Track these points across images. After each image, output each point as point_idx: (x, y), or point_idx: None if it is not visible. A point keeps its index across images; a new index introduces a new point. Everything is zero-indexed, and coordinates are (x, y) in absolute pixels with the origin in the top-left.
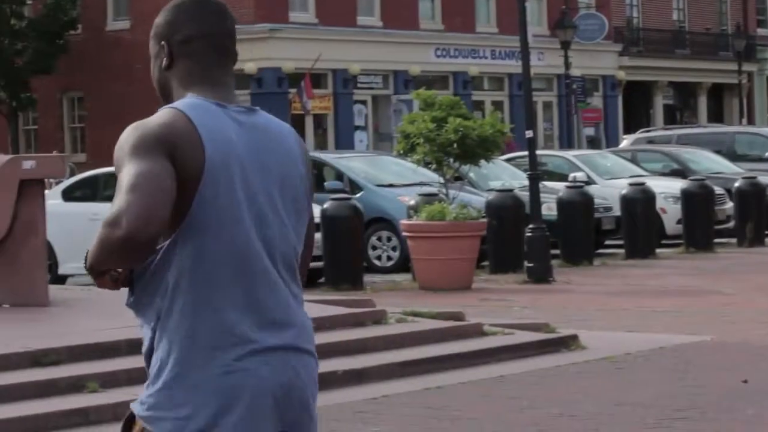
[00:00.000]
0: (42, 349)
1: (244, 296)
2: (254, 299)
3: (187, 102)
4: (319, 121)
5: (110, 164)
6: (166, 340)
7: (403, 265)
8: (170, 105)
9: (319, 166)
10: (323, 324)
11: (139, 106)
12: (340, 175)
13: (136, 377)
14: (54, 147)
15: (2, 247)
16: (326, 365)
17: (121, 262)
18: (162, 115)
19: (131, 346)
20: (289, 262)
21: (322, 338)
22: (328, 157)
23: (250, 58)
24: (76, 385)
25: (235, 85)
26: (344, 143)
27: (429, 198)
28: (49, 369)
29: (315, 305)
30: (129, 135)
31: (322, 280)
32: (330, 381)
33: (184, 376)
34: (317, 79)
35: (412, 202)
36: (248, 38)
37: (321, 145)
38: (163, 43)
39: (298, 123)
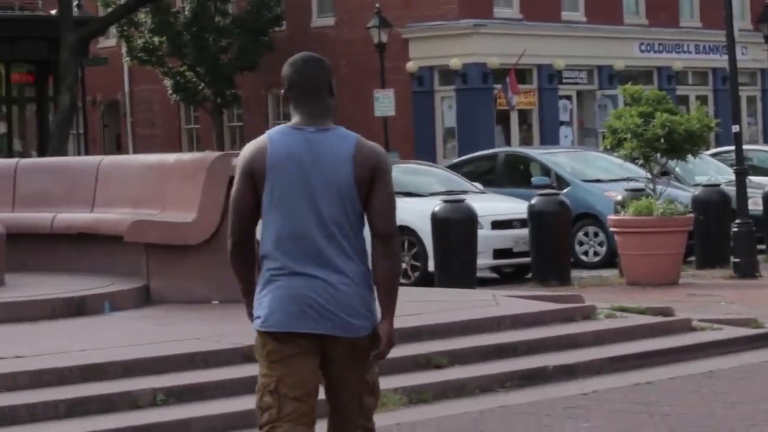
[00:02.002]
0: (252, 345)
1: (294, 253)
2: (300, 256)
3: (275, 129)
4: (524, 116)
5: None
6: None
7: (610, 260)
8: (268, 131)
9: (525, 162)
10: (533, 319)
11: (344, 103)
12: (546, 171)
13: None
14: None
15: (212, 242)
16: (536, 361)
17: (235, 261)
18: (257, 140)
19: None
20: (333, 231)
21: (532, 334)
22: (535, 152)
23: (455, 53)
24: None
25: (326, 108)
26: (549, 139)
27: (636, 193)
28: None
29: (524, 301)
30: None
31: (530, 275)
32: (540, 376)
33: (259, 292)
34: (522, 75)
35: (619, 198)
36: (452, 34)
37: (526, 141)
38: (282, 91)
39: (502, 118)
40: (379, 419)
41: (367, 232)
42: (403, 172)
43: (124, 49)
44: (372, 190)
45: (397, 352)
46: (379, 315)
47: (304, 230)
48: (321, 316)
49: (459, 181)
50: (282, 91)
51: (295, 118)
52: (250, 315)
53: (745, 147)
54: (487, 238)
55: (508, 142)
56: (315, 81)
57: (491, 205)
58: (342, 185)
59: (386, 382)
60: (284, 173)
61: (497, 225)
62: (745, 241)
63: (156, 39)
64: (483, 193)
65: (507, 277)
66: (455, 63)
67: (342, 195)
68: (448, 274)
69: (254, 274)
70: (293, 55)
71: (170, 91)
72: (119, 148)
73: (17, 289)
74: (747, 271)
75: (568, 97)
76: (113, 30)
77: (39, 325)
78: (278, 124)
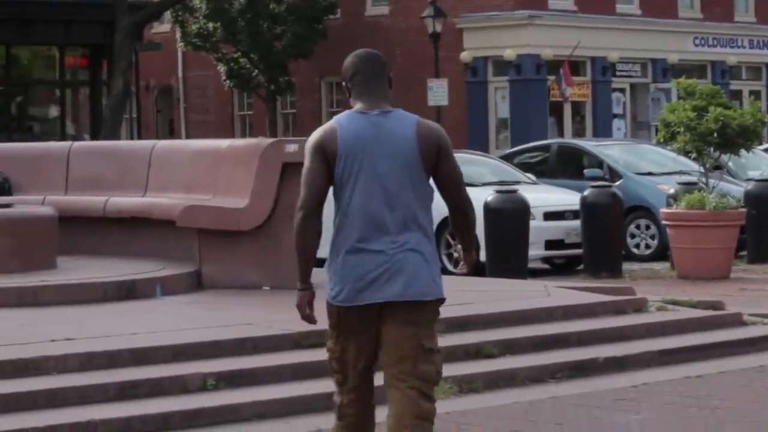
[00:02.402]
0: (302, 332)
1: (361, 229)
2: (369, 230)
3: (342, 114)
4: (577, 108)
5: None
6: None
7: (661, 253)
8: (335, 117)
9: (578, 154)
10: (584, 311)
11: (397, 91)
12: (599, 163)
13: None
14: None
15: (264, 229)
16: (587, 352)
17: (300, 233)
18: (326, 125)
19: None
20: (398, 202)
21: (583, 325)
22: (588, 144)
23: (509, 44)
24: None
25: (386, 96)
26: (602, 131)
27: (688, 187)
28: (309, 351)
29: (576, 292)
30: (307, 142)
31: (581, 267)
32: (591, 368)
33: (330, 266)
34: (575, 67)
35: (672, 191)
36: (507, 25)
37: (579, 133)
38: (344, 82)
39: (556, 110)
40: None
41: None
42: None
43: (178, 35)
44: (439, 165)
45: (447, 341)
46: (441, 286)
47: (372, 206)
48: (386, 284)
49: (512, 172)
50: (343, 82)
51: (358, 105)
52: (302, 282)
53: None
54: (539, 229)
55: (560, 134)
56: (377, 70)
57: (544, 196)
58: (408, 162)
59: None
60: (353, 153)
61: (549, 216)
62: None
63: (210, 25)
64: (535, 184)
65: (558, 268)
66: (509, 54)
67: (409, 171)
68: (500, 264)
69: (317, 246)
70: (347, 43)
71: (224, 78)
72: (172, 134)
73: (69, 272)
74: None
75: (622, 90)
76: (168, 15)
77: (90, 308)
78: (331, 111)
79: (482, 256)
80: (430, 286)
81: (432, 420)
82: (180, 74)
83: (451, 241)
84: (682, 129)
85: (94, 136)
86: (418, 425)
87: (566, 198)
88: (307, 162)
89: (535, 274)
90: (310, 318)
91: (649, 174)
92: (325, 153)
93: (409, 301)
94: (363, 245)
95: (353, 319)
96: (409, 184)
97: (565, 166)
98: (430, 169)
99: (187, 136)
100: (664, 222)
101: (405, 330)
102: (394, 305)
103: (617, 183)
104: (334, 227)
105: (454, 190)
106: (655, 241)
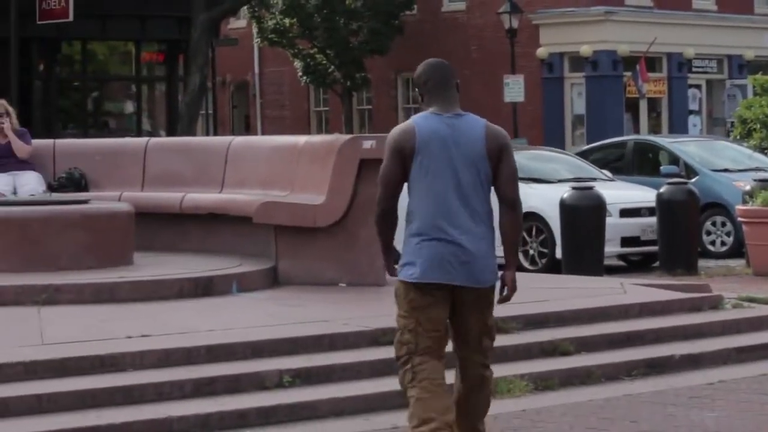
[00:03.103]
0: (380, 329)
1: (437, 217)
2: (444, 219)
3: (418, 115)
4: (653, 104)
5: None
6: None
7: (737, 250)
8: (412, 117)
9: (654, 150)
10: (660, 308)
11: (474, 89)
12: (675, 160)
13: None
14: (390, 127)
15: (341, 225)
16: (663, 349)
17: (380, 225)
18: (404, 124)
19: None
20: (468, 195)
21: (659, 323)
22: (664, 141)
23: (586, 40)
24: None
25: (456, 101)
26: (678, 127)
27: (764, 183)
28: (386, 348)
29: (651, 289)
30: (387, 138)
31: (657, 264)
32: (667, 365)
33: (406, 249)
34: (652, 63)
35: (748, 188)
36: (584, 21)
37: (654, 129)
38: (417, 89)
39: (632, 106)
40: (506, 405)
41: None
42: (532, 159)
43: (254, 31)
44: (500, 163)
45: (523, 338)
46: (497, 273)
47: (447, 197)
48: (456, 270)
49: (588, 168)
50: (416, 88)
51: (433, 107)
52: (388, 268)
53: None
54: (615, 225)
55: (636, 130)
56: (446, 76)
57: (620, 193)
58: (477, 158)
59: (513, 369)
60: (430, 150)
61: (626, 213)
62: None
63: (287, 21)
64: (612, 180)
65: (634, 265)
66: (585, 50)
67: (477, 166)
68: (576, 261)
69: (393, 235)
70: (423, 39)
71: (300, 73)
72: (248, 129)
73: (145, 268)
74: None
75: (698, 86)
76: (244, 11)
77: (166, 305)
78: (407, 107)
79: (558, 253)
80: (494, 273)
81: (491, 382)
82: (256, 70)
83: (527, 239)
84: (758, 126)
85: (171, 132)
86: (484, 386)
87: (642, 195)
88: (385, 161)
89: (611, 271)
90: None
91: (725, 171)
92: (403, 153)
93: (477, 288)
94: (437, 234)
95: (429, 297)
96: (477, 180)
97: (641, 162)
98: (494, 167)
99: (263, 132)
100: (739, 219)
101: (472, 311)
102: (463, 289)
103: (693, 180)
104: (408, 216)
105: (512, 184)
106: (731, 238)
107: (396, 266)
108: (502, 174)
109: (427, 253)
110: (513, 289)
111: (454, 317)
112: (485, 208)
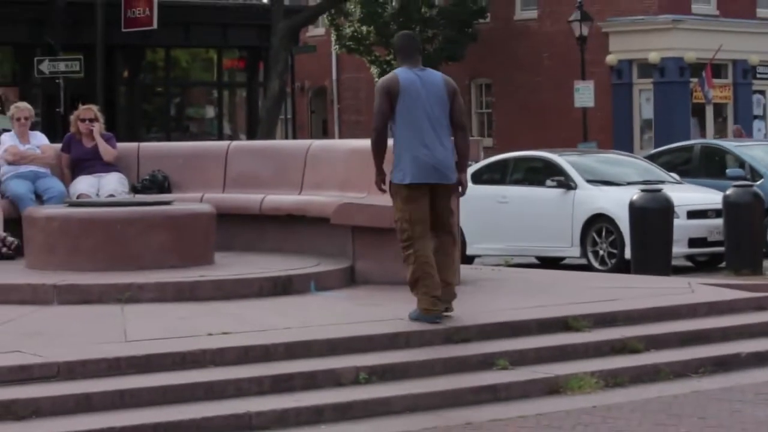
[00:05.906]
0: (454, 327)
1: (417, 139)
2: (422, 140)
3: (398, 69)
4: (719, 110)
5: (517, 149)
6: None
7: None
8: (394, 70)
9: (721, 154)
10: (726, 307)
11: (545, 94)
12: (741, 163)
13: (545, 355)
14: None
15: None
16: (729, 348)
17: (376, 145)
18: (389, 75)
19: (541, 326)
20: (436, 123)
21: (726, 321)
22: (730, 145)
23: (654, 47)
24: (485, 363)
25: (420, 61)
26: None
27: None
28: (459, 346)
29: (718, 289)
30: (378, 84)
31: (723, 264)
32: (733, 363)
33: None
34: (717, 70)
35: None
36: (652, 29)
37: (721, 134)
38: (393, 53)
39: (698, 112)
40: (576, 401)
41: None
42: (602, 162)
43: (333, 38)
44: (454, 102)
45: (594, 336)
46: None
47: (423, 124)
48: (435, 172)
49: (656, 171)
50: (393, 52)
51: (405, 65)
52: (380, 181)
53: None
54: (682, 227)
55: (703, 135)
56: (415, 44)
57: (687, 195)
58: (441, 99)
59: (583, 366)
60: (409, 93)
61: (693, 215)
62: None
63: (364, 28)
64: (679, 183)
65: (701, 265)
66: (654, 57)
67: (441, 104)
68: (644, 261)
69: (384, 156)
70: (497, 46)
71: (376, 79)
72: (326, 134)
73: (226, 268)
74: None
75: (762, 92)
76: (323, 19)
77: (246, 303)
78: (480, 112)
79: (627, 254)
80: (455, 173)
81: (455, 247)
82: (334, 76)
83: (597, 239)
84: None
85: (251, 136)
86: (449, 248)
87: (709, 197)
88: (378, 99)
89: (678, 271)
90: (382, 189)
91: None
92: (391, 94)
93: (446, 184)
94: (418, 150)
95: (416, 193)
96: (442, 113)
97: (708, 166)
98: (450, 104)
99: (340, 136)
100: None
101: (443, 200)
102: (438, 186)
103: (758, 182)
104: (396, 140)
105: (462, 115)
106: None
107: (383, 186)
108: (455, 109)
109: (412, 164)
110: (465, 185)
111: (433, 205)
112: (447, 131)
